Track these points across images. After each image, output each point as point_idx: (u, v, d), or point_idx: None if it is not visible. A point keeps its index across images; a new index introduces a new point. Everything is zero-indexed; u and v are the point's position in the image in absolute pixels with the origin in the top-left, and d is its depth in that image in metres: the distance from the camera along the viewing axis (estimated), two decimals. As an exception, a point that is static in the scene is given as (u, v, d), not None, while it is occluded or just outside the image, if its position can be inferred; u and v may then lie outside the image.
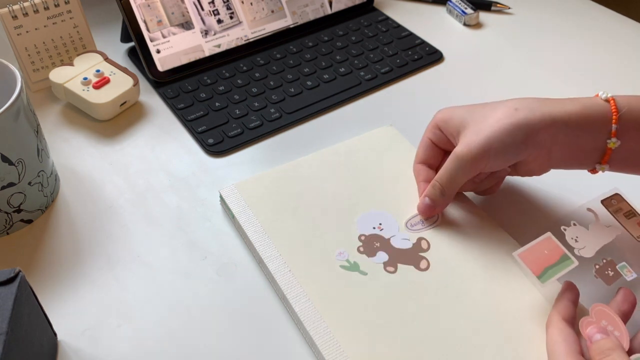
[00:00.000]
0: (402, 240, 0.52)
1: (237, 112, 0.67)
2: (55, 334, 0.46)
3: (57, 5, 0.68)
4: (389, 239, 0.52)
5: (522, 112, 0.48)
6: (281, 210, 0.54)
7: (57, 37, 0.69)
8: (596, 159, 0.49)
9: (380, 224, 0.53)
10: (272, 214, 0.53)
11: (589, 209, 0.51)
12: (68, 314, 0.48)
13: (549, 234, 0.48)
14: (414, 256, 0.50)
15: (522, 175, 0.53)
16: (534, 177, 0.53)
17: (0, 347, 0.36)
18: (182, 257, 0.53)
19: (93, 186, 0.59)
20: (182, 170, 0.61)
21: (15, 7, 0.65)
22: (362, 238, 0.52)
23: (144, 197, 0.58)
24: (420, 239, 0.52)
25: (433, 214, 0.53)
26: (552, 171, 0.52)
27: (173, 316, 0.48)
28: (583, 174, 0.52)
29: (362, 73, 0.72)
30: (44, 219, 0.56)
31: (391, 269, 0.49)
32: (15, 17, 0.66)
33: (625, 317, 0.44)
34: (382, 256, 0.50)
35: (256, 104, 0.68)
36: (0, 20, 0.65)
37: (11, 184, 0.51)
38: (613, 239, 0.49)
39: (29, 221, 0.55)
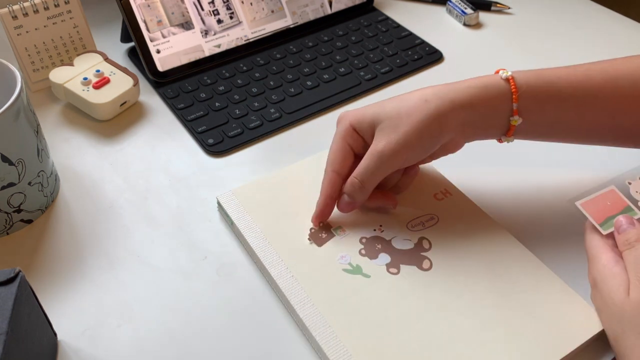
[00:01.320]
0: (404, 240, 0.52)
1: (237, 112, 0.67)
2: (55, 334, 0.46)
3: (57, 5, 0.68)
4: (390, 240, 0.52)
5: (432, 102, 0.50)
6: (280, 215, 0.53)
7: (57, 37, 0.69)
8: (502, 133, 0.52)
9: (380, 225, 0.53)
10: (271, 219, 0.53)
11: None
12: (68, 314, 0.48)
13: (612, 186, 0.49)
14: (416, 256, 0.50)
15: (439, 157, 0.54)
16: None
17: (0, 347, 0.36)
18: (182, 257, 0.53)
19: (93, 186, 0.59)
20: (182, 170, 0.61)
21: (15, 7, 0.65)
22: (363, 241, 0.52)
23: (144, 197, 0.58)
24: (421, 239, 0.52)
25: (352, 209, 0.52)
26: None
27: (173, 316, 0.48)
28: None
29: (362, 73, 0.72)
30: (44, 219, 0.56)
31: (394, 270, 0.49)
32: (15, 17, 0.66)
33: None
34: (385, 258, 0.50)
35: (256, 104, 0.68)
36: (0, 20, 0.65)
37: (11, 184, 0.51)
38: None
39: (29, 221, 0.55)
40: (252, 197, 0.55)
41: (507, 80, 0.50)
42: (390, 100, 0.52)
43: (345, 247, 0.51)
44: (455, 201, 0.55)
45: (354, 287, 0.48)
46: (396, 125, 0.50)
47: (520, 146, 0.56)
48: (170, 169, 0.61)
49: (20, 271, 0.40)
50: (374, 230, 0.52)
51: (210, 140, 0.63)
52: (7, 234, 0.54)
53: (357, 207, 0.53)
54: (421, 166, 0.56)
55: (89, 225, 0.55)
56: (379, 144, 0.50)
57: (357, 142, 0.52)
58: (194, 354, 0.46)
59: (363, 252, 0.51)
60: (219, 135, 0.64)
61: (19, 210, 0.53)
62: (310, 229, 0.52)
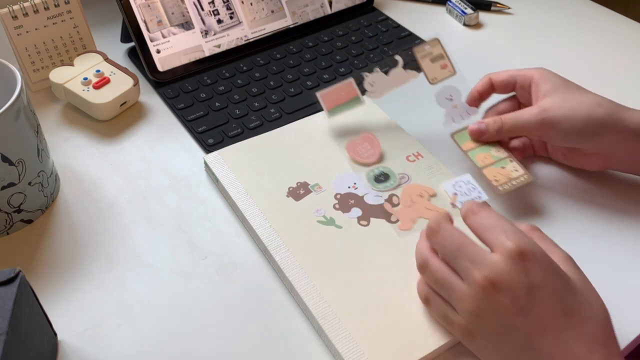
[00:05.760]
0: (375, 197, 0.55)
1: (237, 112, 0.67)
2: (55, 334, 0.46)
3: (57, 5, 0.68)
4: (362, 197, 0.55)
5: (603, 110, 0.51)
6: (262, 173, 0.57)
7: (57, 37, 0.69)
8: None
9: (355, 183, 0.56)
10: (253, 176, 0.57)
11: (396, 55, 0.59)
12: (68, 314, 0.48)
13: (351, 79, 0.57)
14: (385, 211, 0.54)
15: (573, 164, 0.57)
16: None
17: (0, 347, 0.36)
18: (182, 257, 0.53)
19: (93, 186, 0.59)
20: (182, 170, 0.61)
21: (15, 7, 0.65)
22: (338, 197, 0.55)
23: (144, 197, 0.58)
24: (391, 196, 0.55)
25: (479, 139, 0.56)
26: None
27: (173, 316, 0.48)
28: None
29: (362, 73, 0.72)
30: (44, 219, 0.56)
31: (364, 222, 0.53)
32: (15, 17, 0.66)
33: None
34: (356, 212, 0.54)
35: (256, 104, 0.68)
36: (1, 20, 0.65)
37: (11, 184, 0.51)
38: (405, 84, 0.57)
39: (29, 221, 0.55)
40: (236, 157, 0.59)
41: None
42: (576, 87, 0.54)
43: (320, 202, 0.55)
44: (426, 163, 0.58)
45: (326, 236, 0.52)
46: (563, 105, 0.52)
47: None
48: (170, 169, 0.61)
49: (20, 271, 0.40)
50: (349, 187, 0.56)
51: (210, 140, 0.63)
52: (7, 234, 0.54)
53: (483, 140, 0.56)
54: (394, 130, 0.61)
55: (89, 225, 0.55)
56: (546, 103, 0.53)
57: (522, 89, 0.57)
58: (193, 354, 0.46)
59: (337, 206, 0.54)
60: (219, 135, 0.64)
61: (19, 210, 0.54)
62: (289, 187, 0.56)
